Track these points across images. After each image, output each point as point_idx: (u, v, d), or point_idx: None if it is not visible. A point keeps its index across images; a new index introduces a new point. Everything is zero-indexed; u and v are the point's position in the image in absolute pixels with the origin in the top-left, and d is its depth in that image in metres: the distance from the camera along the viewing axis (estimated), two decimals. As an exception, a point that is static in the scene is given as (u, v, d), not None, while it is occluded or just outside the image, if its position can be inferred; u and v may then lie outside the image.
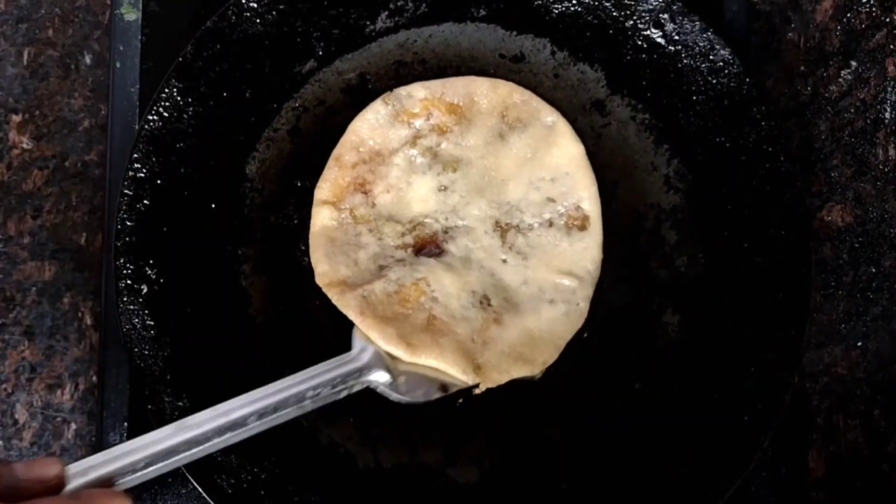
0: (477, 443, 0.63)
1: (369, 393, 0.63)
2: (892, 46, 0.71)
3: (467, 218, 0.64)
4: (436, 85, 0.65)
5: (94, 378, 0.67)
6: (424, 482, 0.62)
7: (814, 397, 0.68)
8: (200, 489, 0.58)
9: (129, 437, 0.64)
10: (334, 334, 0.63)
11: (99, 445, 0.64)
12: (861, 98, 0.70)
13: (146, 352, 0.60)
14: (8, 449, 0.67)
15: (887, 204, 0.69)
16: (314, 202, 0.64)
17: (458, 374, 0.61)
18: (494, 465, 0.62)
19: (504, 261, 0.63)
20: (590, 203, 0.64)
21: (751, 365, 0.60)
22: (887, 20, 0.71)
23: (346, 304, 0.62)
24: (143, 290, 0.61)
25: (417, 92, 0.65)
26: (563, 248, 0.64)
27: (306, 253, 0.64)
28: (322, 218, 0.64)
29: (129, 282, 0.61)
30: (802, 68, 0.71)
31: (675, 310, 0.64)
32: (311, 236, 0.64)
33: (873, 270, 0.69)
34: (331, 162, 0.65)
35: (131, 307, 0.61)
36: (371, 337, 0.61)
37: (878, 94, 0.71)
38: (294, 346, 0.64)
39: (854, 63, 0.71)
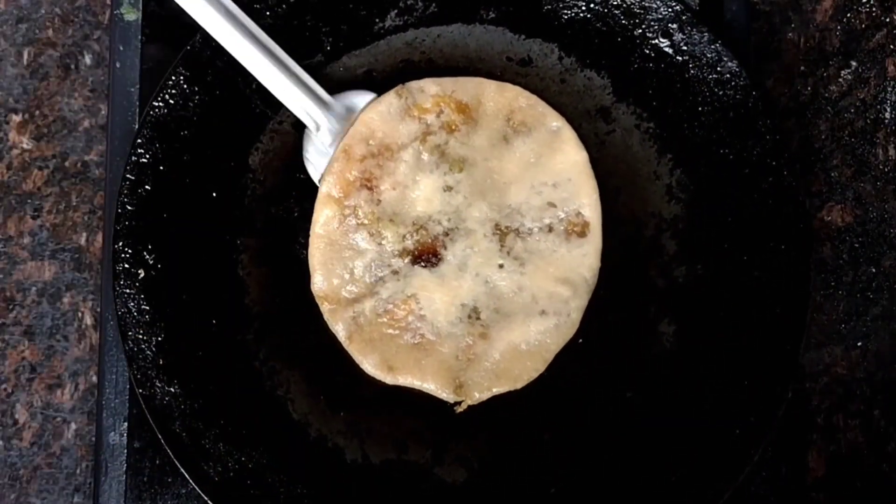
0: (466, 443, 0.63)
1: (361, 388, 0.63)
2: (892, 46, 0.71)
3: (468, 220, 0.64)
4: (447, 82, 0.65)
5: (94, 378, 0.67)
6: (412, 480, 0.62)
7: (814, 397, 0.68)
8: (187, 475, 0.59)
9: (129, 438, 0.64)
10: (329, 329, 0.64)
11: (99, 445, 0.64)
12: (861, 98, 0.70)
13: (140, 336, 0.60)
14: (8, 449, 0.67)
15: (887, 204, 0.70)
16: (318, 196, 0.64)
17: (438, 394, 0.62)
18: (483, 466, 0.62)
19: (501, 266, 0.63)
20: (590, 210, 0.64)
21: (744, 378, 0.60)
22: (887, 20, 0.71)
23: (336, 325, 0.63)
24: (140, 274, 0.61)
25: (429, 87, 0.65)
26: (560, 255, 0.64)
27: (305, 246, 0.64)
28: (324, 216, 0.64)
29: (126, 265, 0.61)
30: (802, 68, 0.71)
31: (671, 319, 0.63)
32: (311, 235, 0.64)
33: (873, 270, 0.69)
34: (338, 153, 0.64)
35: (127, 291, 0.61)
36: (356, 360, 0.63)
37: (878, 94, 0.71)
38: (288, 337, 0.64)
39: (854, 63, 0.71)
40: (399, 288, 0.63)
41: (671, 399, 0.62)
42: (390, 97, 0.65)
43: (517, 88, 0.65)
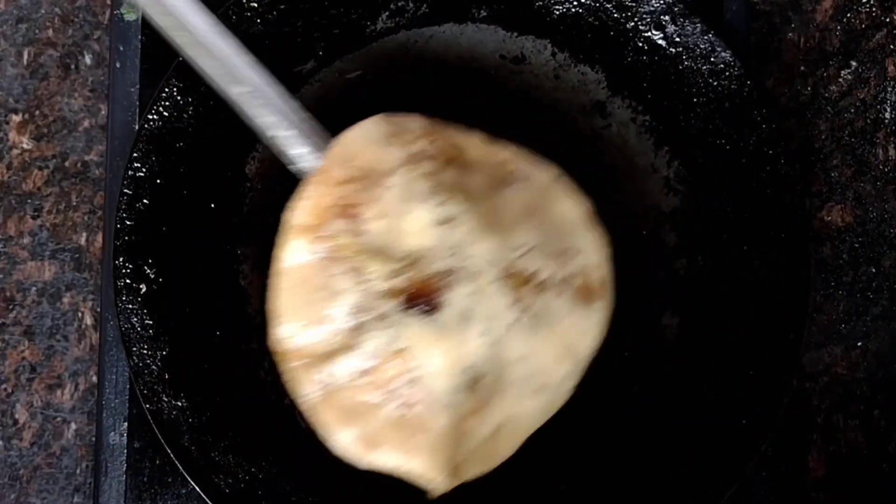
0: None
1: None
2: (892, 46, 0.71)
3: (473, 258, 0.53)
4: (435, 121, 0.59)
5: (94, 378, 0.67)
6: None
7: (814, 397, 0.68)
8: (198, 488, 0.58)
9: (129, 438, 0.64)
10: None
11: (99, 445, 0.64)
12: (861, 98, 0.70)
13: (144, 351, 0.60)
14: (8, 449, 0.67)
15: (887, 204, 0.70)
16: (284, 229, 0.55)
17: (427, 479, 0.52)
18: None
19: (511, 324, 0.53)
20: (601, 269, 0.58)
21: (749, 368, 0.61)
22: (887, 20, 0.71)
23: (300, 389, 0.53)
24: (141, 289, 0.61)
25: (416, 119, 0.58)
26: (571, 322, 0.56)
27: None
28: (292, 248, 0.53)
29: (127, 281, 0.61)
30: (802, 68, 0.71)
31: (673, 312, 0.63)
32: (272, 274, 0.55)
33: (873, 270, 0.69)
34: (311, 177, 0.55)
35: (130, 306, 0.61)
36: (324, 435, 0.52)
37: (878, 94, 0.71)
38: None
39: (854, 63, 0.71)
40: (387, 339, 0.52)
41: (677, 392, 0.62)
42: (375, 119, 0.57)
43: (503, 142, 0.59)
